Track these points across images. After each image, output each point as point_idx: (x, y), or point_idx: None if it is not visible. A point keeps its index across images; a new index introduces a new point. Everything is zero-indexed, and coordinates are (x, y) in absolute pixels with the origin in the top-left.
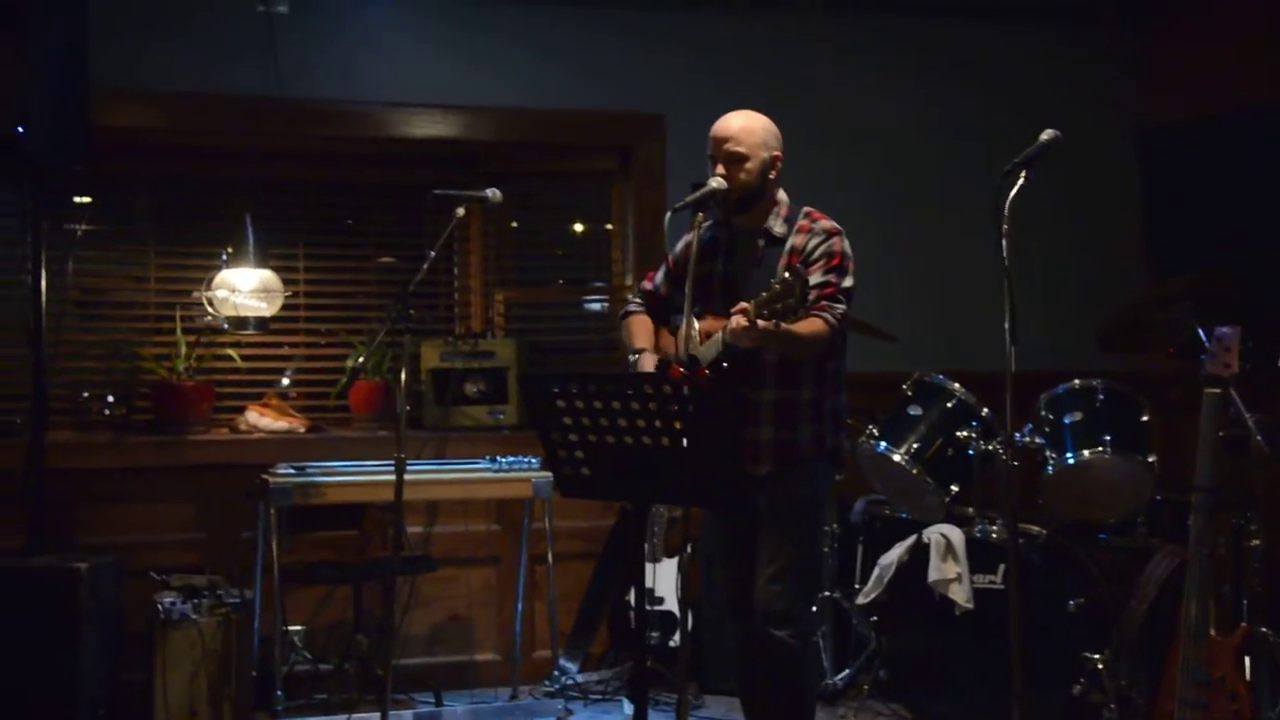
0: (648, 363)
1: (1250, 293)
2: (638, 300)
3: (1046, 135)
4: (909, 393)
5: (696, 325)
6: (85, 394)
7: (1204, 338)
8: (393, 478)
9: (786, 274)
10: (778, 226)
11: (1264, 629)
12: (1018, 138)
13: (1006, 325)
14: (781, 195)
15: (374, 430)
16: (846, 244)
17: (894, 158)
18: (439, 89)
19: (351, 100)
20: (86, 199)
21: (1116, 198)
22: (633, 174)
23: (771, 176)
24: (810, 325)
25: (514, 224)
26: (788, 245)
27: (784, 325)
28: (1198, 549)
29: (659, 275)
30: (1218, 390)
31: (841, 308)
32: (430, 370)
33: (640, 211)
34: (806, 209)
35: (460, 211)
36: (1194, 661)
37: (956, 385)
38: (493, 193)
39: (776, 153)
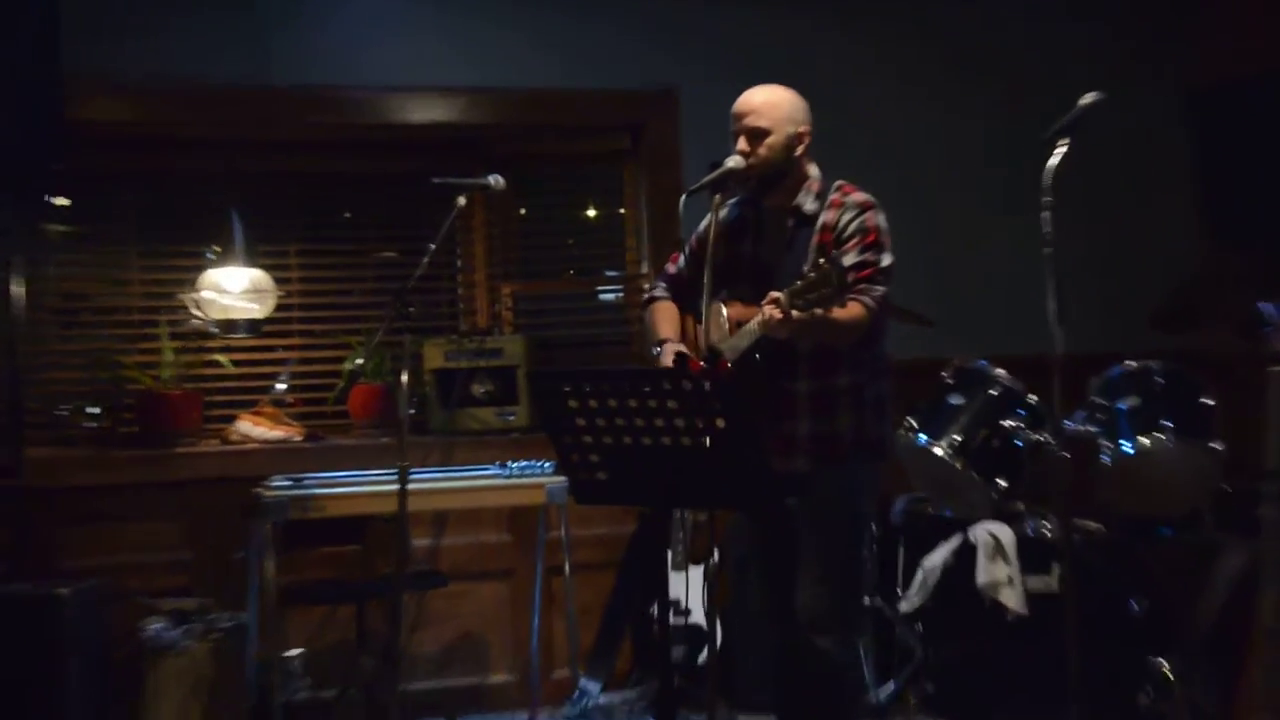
0: (670, 355)
1: None
2: (662, 285)
3: (1087, 99)
4: (949, 380)
5: (725, 312)
6: (65, 408)
7: (1267, 312)
8: (396, 487)
9: (822, 261)
10: (809, 204)
11: None
12: (1061, 104)
13: (1052, 305)
14: (813, 170)
15: (375, 437)
16: (882, 218)
17: (927, 130)
18: (436, 71)
19: (343, 85)
20: (64, 200)
21: (1169, 165)
22: (644, 154)
23: (798, 152)
24: (849, 311)
25: (521, 211)
26: (819, 222)
27: (820, 313)
28: (1272, 541)
29: (683, 258)
30: None
31: (881, 290)
32: (434, 371)
33: (654, 194)
34: (839, 182)
35: (461, 201)
36: (1273, 663)
37: (1000, 371)
38: (495, 179)
39: (804, 127)
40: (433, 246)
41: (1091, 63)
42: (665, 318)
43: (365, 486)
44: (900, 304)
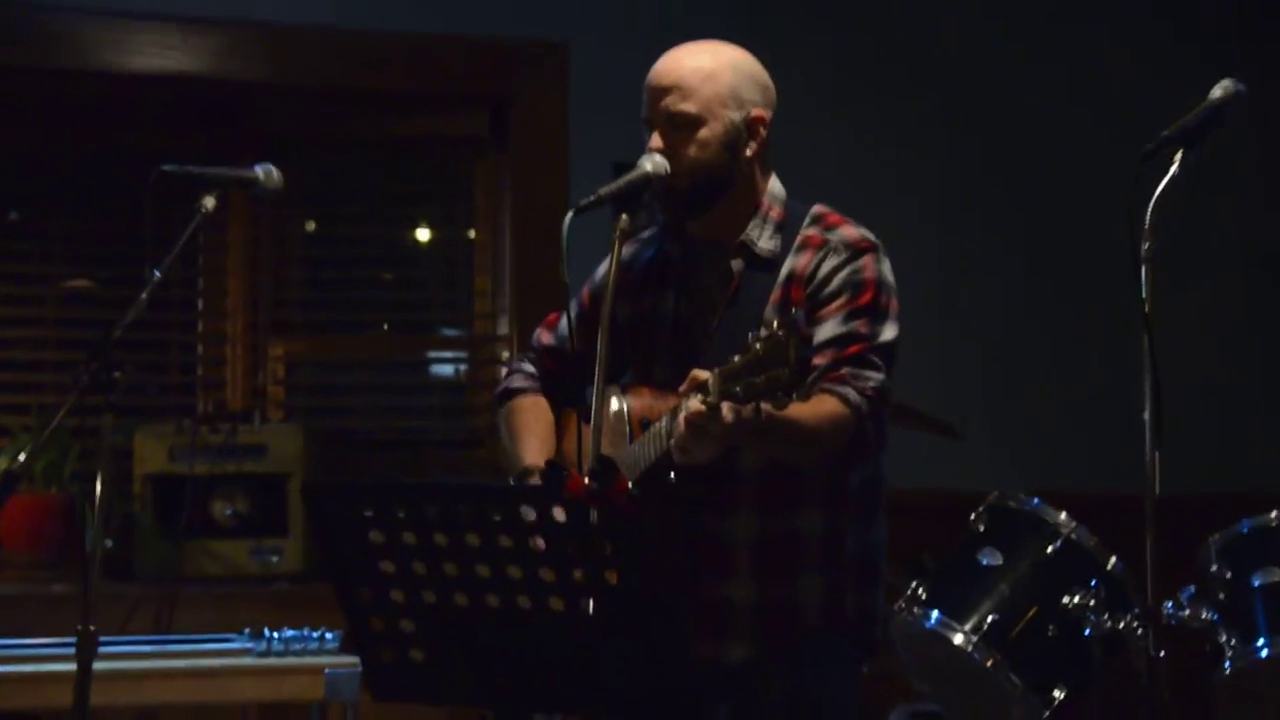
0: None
1: None
2: (527, 369)
3: (1220, 91)
4: (980, 528)
5: (625, 404)
6: None
7: None
8: (74, 667)
9: (776, 324)
10: (765, 240)
11: None
12: (1173, 94)
13: (1147, 416)
14: (773, 186)
15: (43, 582)
16: (886, 267)
17: (967, 125)
18: None
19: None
20: None
21: None
22: (513, 144)
23: (749, 153)
24: (819, 409)
25: (308, 227)
26: (784, 270)
27: (771, 411)
28: None
29: (567, 320)
30: None
31: (877, 378)
32: (150, 477)
33: (525, 209)
34: (818, 209)
35: (209, 203)
36: None
37: (1062, 516)
38: (266, 172)
39: (758, 111)
40: (157, 274)
41: (1226, 47)
42: (532, 425)
43: (22, 665)
44: (910, 404)
